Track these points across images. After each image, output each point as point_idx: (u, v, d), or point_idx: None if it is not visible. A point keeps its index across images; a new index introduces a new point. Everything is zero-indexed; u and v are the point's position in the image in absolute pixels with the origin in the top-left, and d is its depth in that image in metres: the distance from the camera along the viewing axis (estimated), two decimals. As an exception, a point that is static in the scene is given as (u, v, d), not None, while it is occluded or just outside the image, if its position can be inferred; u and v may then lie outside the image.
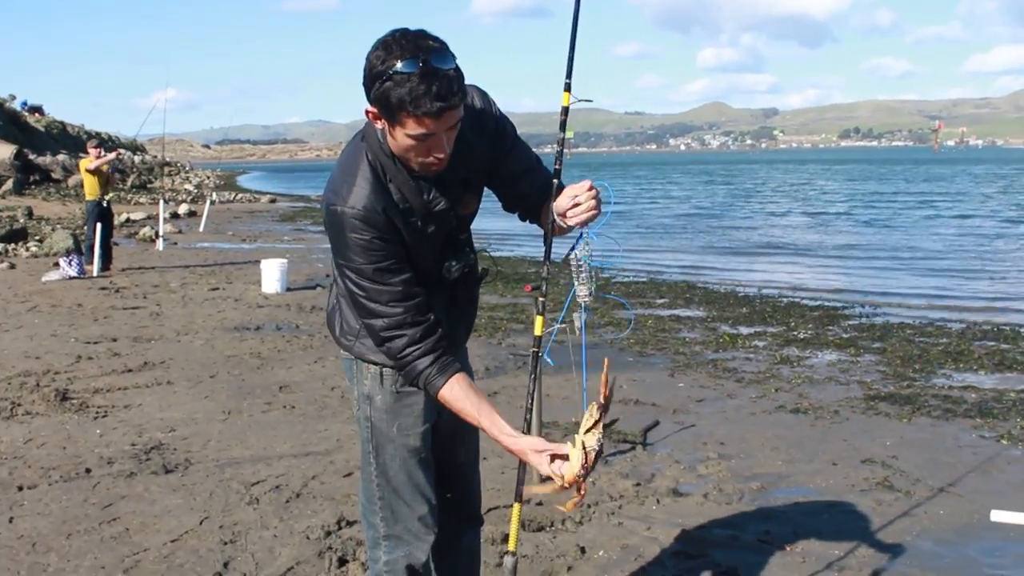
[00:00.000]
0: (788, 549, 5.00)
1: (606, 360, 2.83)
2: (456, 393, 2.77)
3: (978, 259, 21.59)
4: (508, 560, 3.01)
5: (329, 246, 2.87)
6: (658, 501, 5.69)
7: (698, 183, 76.23)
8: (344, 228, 2.71)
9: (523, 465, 2.98)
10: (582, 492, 2.75)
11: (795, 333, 11.89)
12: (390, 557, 3.08)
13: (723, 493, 5.85)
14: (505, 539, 4.97)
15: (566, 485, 2.69)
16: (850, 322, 12.84)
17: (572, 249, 2.88)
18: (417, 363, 2.78)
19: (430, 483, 3.09)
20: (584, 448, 2.67)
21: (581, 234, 2.85)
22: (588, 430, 2.70)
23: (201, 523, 5.21)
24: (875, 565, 4.80)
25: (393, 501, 3.04)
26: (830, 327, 12.37)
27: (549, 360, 3.11)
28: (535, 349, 3.08)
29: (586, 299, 2.90)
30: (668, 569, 4.71)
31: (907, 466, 6.42)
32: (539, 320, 3.06)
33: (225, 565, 4.65)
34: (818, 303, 14.61)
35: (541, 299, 3.06)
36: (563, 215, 2.81)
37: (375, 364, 2.97)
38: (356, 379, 3.03)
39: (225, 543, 4.94)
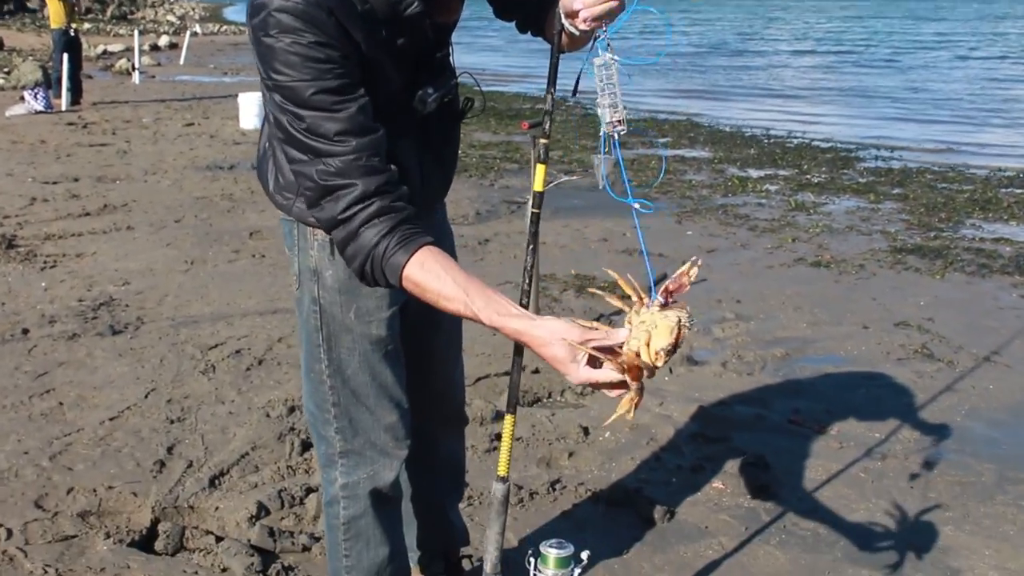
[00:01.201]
0: (821, 431, 4.35)
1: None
2: (429, 271, 1.94)
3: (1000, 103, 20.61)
4: (498, 488, 2.32)
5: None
6: (671, 371, 5.01)
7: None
8: (275, 31, 1.87)
9: (518, 361, 2.24)
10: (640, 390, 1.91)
11: (808, 177, 11.10)
12: (349, 479, 2.38)
13: (743, 362, 5.17)
14: (498, 417, 4.31)
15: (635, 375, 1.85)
16: (866, 165, 12.03)
17: (589, 57, 2.06)
18: (366, 231, 1.95)
19: (400, 382, 2.37)
20: (678, 324, 1.83)
21: (599, 36, 2.04)
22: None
23: (147, 396, 4.53)
24: (922, 453, 4.15)
25: (352, 408, 2.32)
26: (845, 171, 11.57)
27: (609, 190, 2.31)
28: (535, 211, 2.31)
29: (617, 127, 2.08)
30: (685, 456, 4.07)
31: (946, 330, 5.74)
32: (540, 170, 2.28)
33: (169, 450, 3.98)
34: (830, 145, 13.76)
35: (543, 141, 2.27)
36: (573, 15, 2.00)
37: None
38: (298, 248, 2.26)
39: (172, 421, 4.26)
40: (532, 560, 2.26)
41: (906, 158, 12.65)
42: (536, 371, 4.93)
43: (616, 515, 3.62)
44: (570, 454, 4.07)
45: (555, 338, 1.84)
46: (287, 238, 2.28)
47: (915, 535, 3.50)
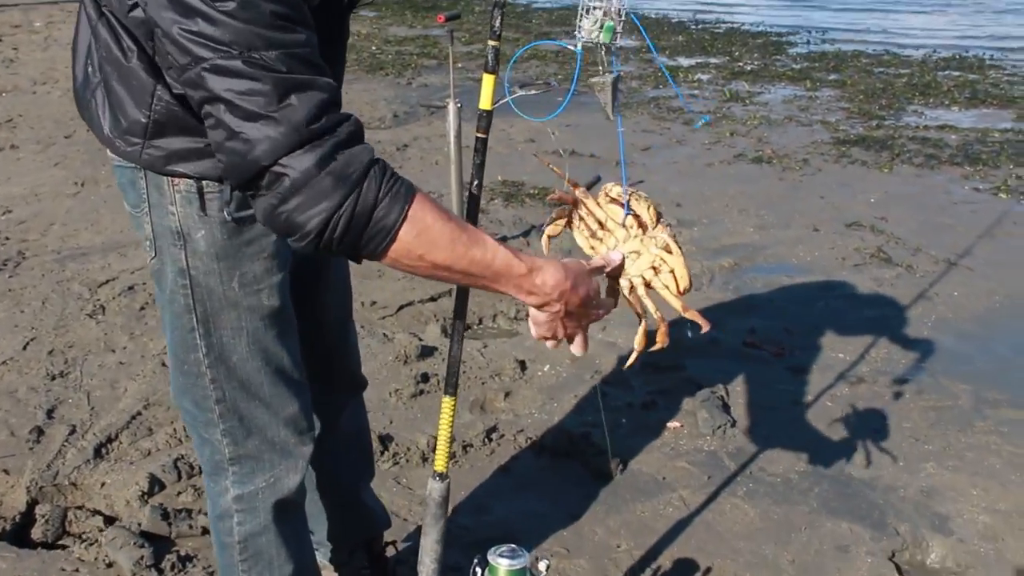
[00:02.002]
0: (780, 353, 3.95)
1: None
2: (438, 214, 1.48)
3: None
4: (435, 487, 1.85)
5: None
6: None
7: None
8: None
9: (459, 326, 1.76)
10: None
11: (741, 64, 10.61)
12: (243, 490, 1.88)
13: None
14: (425, 353, 3.84)
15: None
16: (798, 51, 11.58)
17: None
18: (361, 151, 1.42)
19: (297, 359, 1.86)
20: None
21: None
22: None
23: (25, 347, 3.95)
24: (891, 375, 3.78)
25: (242, 403, 1.81)
26: (777, 57, 11.12)
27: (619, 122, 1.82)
28: (481, 135, 1.80)
29: (598, 36, 1.64)
30: (634, 391, 3.64)
31: (900, 230, 5.37)
32: (487, 82, 1.76)
33: (49, 414, 3.43)
34: (760, 30, 13.26)
35: (493, 44, 1.73)
36: None
37: (188, 177, 1.64)
38: (150, 206, 1.70)
39: (53, 377, 3.70)
40: (478, 571, 1.81)
41: (839, 41, 12.21)
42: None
43: (561, 468, 3.19)
44: (506, 394, 3.61)
45: (580, 269, 1.66)
46: (129, 193, 1.72)
47: (895, 476, 3.13)
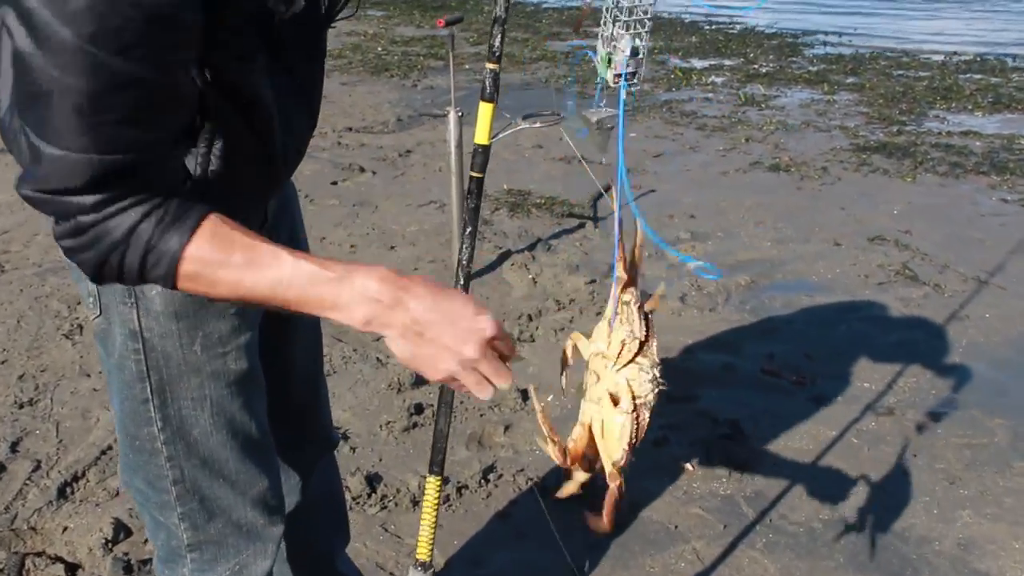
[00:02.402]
0: (801, 382, 3.69)
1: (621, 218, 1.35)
2: (217, 242, 1.20)
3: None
4: None
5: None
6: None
7: None
8: None
9: (446, 405, 1.50)
10: (619, 488, 1.46)
11: (755, 67, 10.32)
12: None
13: (704, 294, 4.47)
14: (418, 383, 3.58)
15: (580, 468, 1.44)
16: (814, 52, 11.29)
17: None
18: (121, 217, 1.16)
19: (265, 427, 1.60)
20: (632, 393, 1.40)
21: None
22: (628, 354, 1.41)
23: (-8, 369, 3.71)
24: (921, 407, 3.51)
25: (203, 482, 1.56)
26: (793, 59, 10.82)
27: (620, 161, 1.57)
28: (477, 175, 1.55)
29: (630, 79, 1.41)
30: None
31: (926, 245, 5.08)
32: (485, 113, 1.51)
33: (13, 447, 3.19)
34: (775, 31, 12.96)
35: (491, 67, 1.51)
36: None
37: None
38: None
39: (21, 406, 3.46)
40: None
41: (856, 44, 11.90)
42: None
43: (565, 513, 2.91)
44: (506, 427, 3.36)
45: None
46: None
47: (928, 525, 2.86)
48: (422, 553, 1.58)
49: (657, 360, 1.28)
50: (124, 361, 1.48)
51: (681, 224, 5.42)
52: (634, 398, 1.28)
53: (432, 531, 1.58)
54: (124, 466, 1.59)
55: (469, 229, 1.51)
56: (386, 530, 2.80)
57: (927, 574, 2.64)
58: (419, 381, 3.59)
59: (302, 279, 1.20)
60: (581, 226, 5.34)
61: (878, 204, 5.78)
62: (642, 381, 1.29)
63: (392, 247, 4.93)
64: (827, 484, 3.04)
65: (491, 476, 3.07)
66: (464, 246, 1.52)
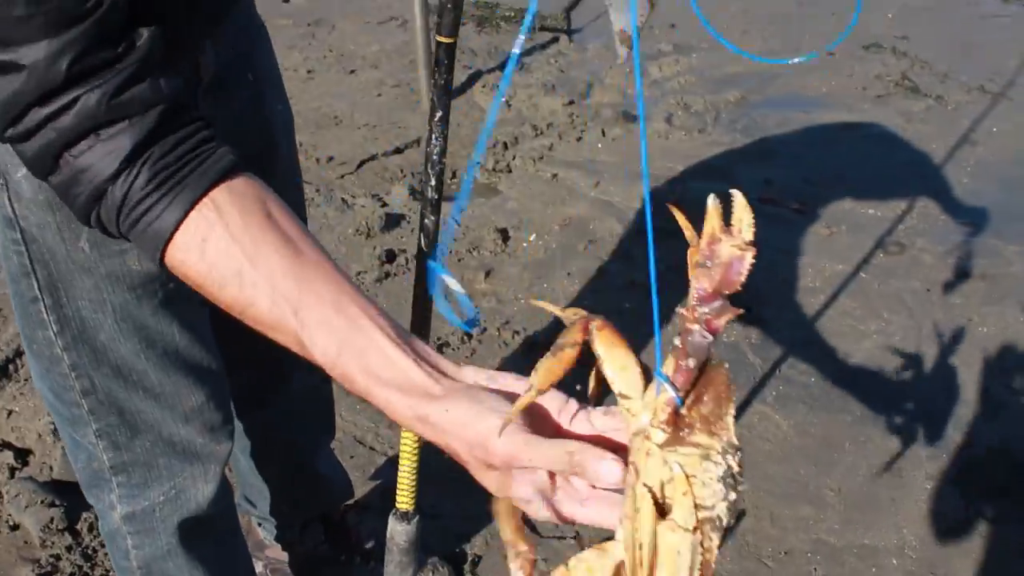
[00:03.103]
0: (802, 210, 3.42)
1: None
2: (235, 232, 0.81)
3: None
4: (399, 529, 1.34)
5: None
6: (603, 132, 3.97)
7: None
8: None
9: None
10: None
11: None
12: (134, 507, 1.36)
13: (692, 113, 4.14)
14: (390, 225, 3.28)
15: None
16: None
17: None
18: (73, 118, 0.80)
19: (202, 336, 1.31)
20: (692, 497, 0.71)
21: None
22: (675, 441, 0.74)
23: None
24: (932, 233, 3.27)
25: (120, 393, 1.28)
26: None
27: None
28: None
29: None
30: (637, 265, 3.11)
31: (925, 52, 4.73)
32: None
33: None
34: None
35: None
36: None
37: None
38: None
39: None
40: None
41: None
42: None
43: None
44: (487, 273, 3.08)
45: (478, 440, 0.75)
46: None
47: (948, 371, 2.66)
48: (403, 503, 1.33)
49: (735, 442, 0.75)
50: (7, 252, 1.19)
51: (661, 35, 5.00)
52: (696, 507, 0.71)
53: (413, 479, 1.32)
54: (32, 373, 1.32)
55: (439, 114, 1.17)
56: (357, 405, 2.55)
57: (951, 426, 2.45)
58: (390, 223, 3.28)
59: (341, 363, 0.82)
60: (555, 40, 4.91)
61: (871, 7, 5.35)
62: (707, 479, 0.72)
63: (352, 71, 4.51)
64: (837, 329, 2.82)
65: (474, 331, 2.81)
66: (434, 136, 1.18)
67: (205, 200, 0.82)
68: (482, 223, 3.31)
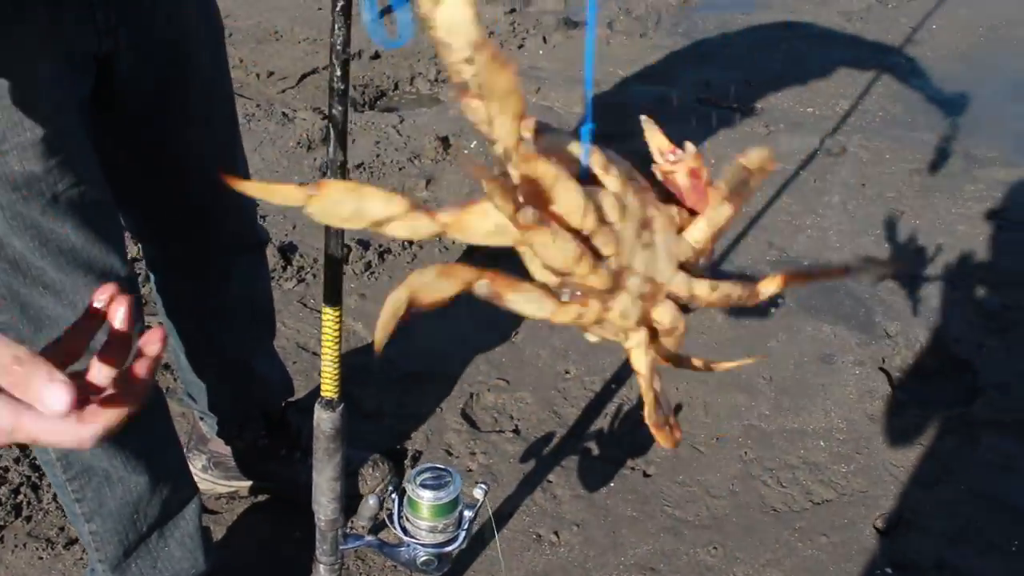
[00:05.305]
0: (741, 109, 3.44)
1: None
2: None
3: None
4: (324, 416, 1.38)
5: None
6: (544, 39, 3.95)
7: None
8: None
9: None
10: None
11: None
12: None
13: (633, 17, 4.13)
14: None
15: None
16: None
17: None
18: None
19: (97, 241, 1.31)
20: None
21: None
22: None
23: None
24: (870, 129, 3.32)
25: (22, 288, 1.29)
26: None
27: None
28: None
29: None
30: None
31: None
32: None
33: None
34: None
35: None
36: None
37: None
38: None
39: None
40: (395, 500, 1.37)
41: None
42: (376, 56, 3.83)
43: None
44: (428, 181, 3.09)
45: None
46: None
47: (879, 264, 2.71)
48: (327, 391, 1.36)
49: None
50: None
51: (605, -60, 4.95)
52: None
53: (336, 367, 1.34)
54: None
55: (341, 3, 1.16)
56: (305, 305, 2.57)
57: (880, 314, 2.51)
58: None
59: None
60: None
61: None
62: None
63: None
64: (772, 222, 2.87)
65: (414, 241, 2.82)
66: (337, 27, 1.18)
67: None
68: (423, 131, 3.31)
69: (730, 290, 0.75)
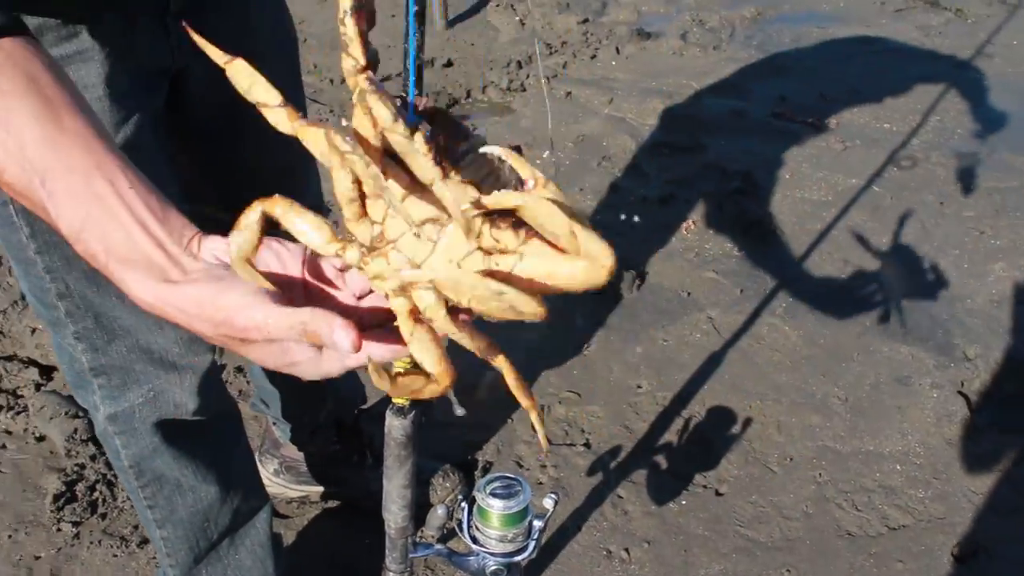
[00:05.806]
0: (816, 124, 3.40)
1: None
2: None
3: None
4: (396, 423, 1.38)
5: None
6: (617, 50, 3.94)
7: None
8: None
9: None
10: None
11: None
12: (117, 408, 1.39)
13: (706, 29, 4.10)
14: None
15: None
16: None
17: None
18: None
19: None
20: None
21: None
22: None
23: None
24: (948, 146, 3.26)
25: (94, 299, 1.31)
26: None
27: None
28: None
29: None
30: (649, 180, 3.11)
31: (946, -36, 4.65)
32: None
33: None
34: None
35: None
36: None
37: None
38: None
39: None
40: (464, 509, 1.37)
41: None
42: (449, 63, 3.85)
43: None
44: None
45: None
46: None
47: (960, 281, 2.66)
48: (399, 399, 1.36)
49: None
50: None
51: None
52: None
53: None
54: (16, 274, 1.35)
55: (415, 8, 1.15)
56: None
57: (959, 336, 2.46)
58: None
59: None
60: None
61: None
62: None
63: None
64: (848, 238, 2.82)
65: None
66: (411, 33, 1.17)
67: None
68: (496, 142, 3.29)
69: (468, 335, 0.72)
